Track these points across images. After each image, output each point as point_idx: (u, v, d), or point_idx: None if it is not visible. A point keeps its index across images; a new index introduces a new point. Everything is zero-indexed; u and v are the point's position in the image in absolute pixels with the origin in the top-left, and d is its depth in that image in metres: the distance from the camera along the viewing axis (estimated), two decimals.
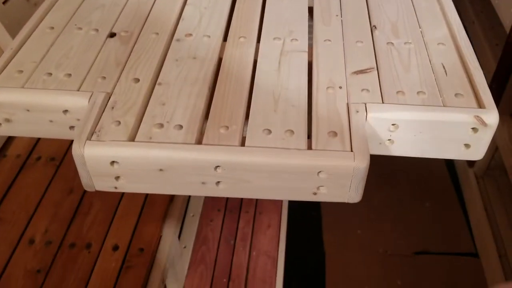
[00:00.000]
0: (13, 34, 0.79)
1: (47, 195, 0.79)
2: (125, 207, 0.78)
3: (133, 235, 0.74)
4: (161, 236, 0.76)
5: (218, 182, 0.44)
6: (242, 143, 0.43)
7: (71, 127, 0.49)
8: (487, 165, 1.23)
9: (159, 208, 0.79)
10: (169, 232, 0.77)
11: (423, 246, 1.22)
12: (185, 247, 1.08)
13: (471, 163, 1.29)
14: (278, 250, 1.10)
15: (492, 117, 0.45)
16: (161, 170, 0.43)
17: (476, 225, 1.24)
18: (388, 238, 1.24)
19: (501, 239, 1.12)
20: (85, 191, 0.78)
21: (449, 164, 1.42)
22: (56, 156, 0.85)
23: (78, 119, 0.48)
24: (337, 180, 0.42)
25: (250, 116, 0.46)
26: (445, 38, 0.55)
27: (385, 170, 1.35)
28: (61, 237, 0.73)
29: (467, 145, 0.47)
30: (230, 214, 1.17)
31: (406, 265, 1.18)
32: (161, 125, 0.45)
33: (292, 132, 0.44)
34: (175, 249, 0.81)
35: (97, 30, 0.57)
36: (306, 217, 1.31)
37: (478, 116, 0.45)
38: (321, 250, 1.24)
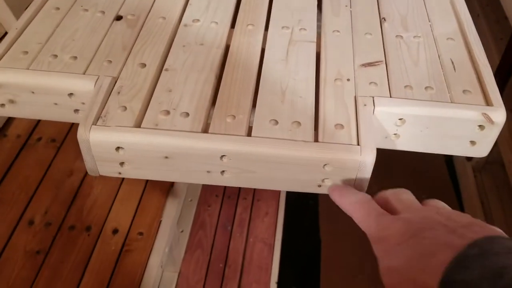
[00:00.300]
0: (17, 14, 0.78)
1: (47, 176, 0.79)
2: (126, 190, 0.78)
3: (133, 219, 0.74)
4: (161, 221, 0.76)
5: (223, 171, 0.44)
6: (249, 133, 0.43)
7: (76, 111, 0.49)
8: (485, 159, 1.24)
9: (159, 192, 0.79)
10: (169, 217, 0.77)
11: None
12: (182, 231, 1.09)
13: (469, 157, 1.30)
14: (274, 237, 1.11)
15: (499, 115, 0.45)
16: (166, 157, 0.43)
17: None
18: None
19: None
20: (85, 174, 0.78)
21: (448, 157, 1.42)
22: (57, 138, 0.84)
23: (83, 103, 0.48)
24: (343, 173, 0.42)
25: (257, 106, 0.46)
26: (455, 33, 0.55)
27: (383, 162, 1.35)
28: (61, 219, 0.73)
29: (472, 142, 0.47)
30: (228, 200, 1.18)
31: None
32: (168, 112, 0.44)
33: (299, 123, 0.44)
34: (174, 234, 0.81)
35: (103, 12, 0.56)
36: (303, 206, 1.32)
37: (485, 114, 0.45)
38: (317, 238, 1.25)
